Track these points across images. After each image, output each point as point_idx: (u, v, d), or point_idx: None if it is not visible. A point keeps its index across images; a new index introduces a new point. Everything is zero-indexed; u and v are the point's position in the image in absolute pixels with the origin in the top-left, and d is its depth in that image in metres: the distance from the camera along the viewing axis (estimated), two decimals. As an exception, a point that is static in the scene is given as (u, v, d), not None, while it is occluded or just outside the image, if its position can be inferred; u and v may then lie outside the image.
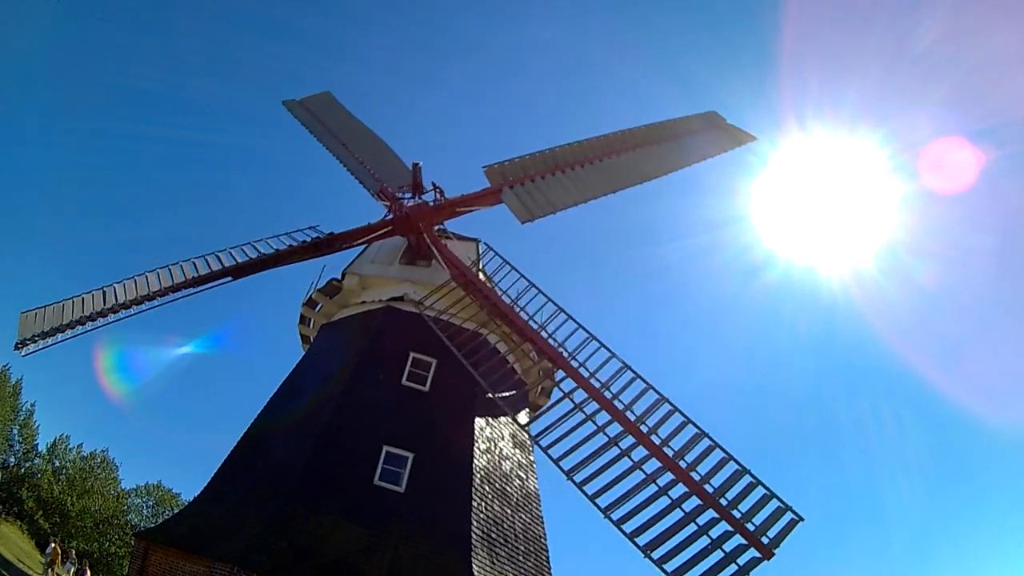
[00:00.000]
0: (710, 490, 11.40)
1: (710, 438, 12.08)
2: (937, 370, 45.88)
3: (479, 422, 15.24)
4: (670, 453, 12.01)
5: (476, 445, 14.66)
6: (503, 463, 15.52)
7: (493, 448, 15.37)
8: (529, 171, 16.85)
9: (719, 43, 57.27)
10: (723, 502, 11.21)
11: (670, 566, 10.63)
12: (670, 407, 12.60)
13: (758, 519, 10.95)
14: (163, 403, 56.72)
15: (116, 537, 33.44)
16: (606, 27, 56.01)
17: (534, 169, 16.92)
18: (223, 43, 57.79)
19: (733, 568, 10.44)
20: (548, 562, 15.50)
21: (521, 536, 14.87)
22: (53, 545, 21.64)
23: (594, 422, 12.56)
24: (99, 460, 36.38)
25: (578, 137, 17.91)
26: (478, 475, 14.23)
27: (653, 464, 11.85)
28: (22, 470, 33.34)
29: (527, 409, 17.97)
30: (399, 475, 13.58)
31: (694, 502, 11.25)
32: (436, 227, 17.92)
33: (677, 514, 11.12)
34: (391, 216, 17.91)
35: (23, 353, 15.86)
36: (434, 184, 18.20)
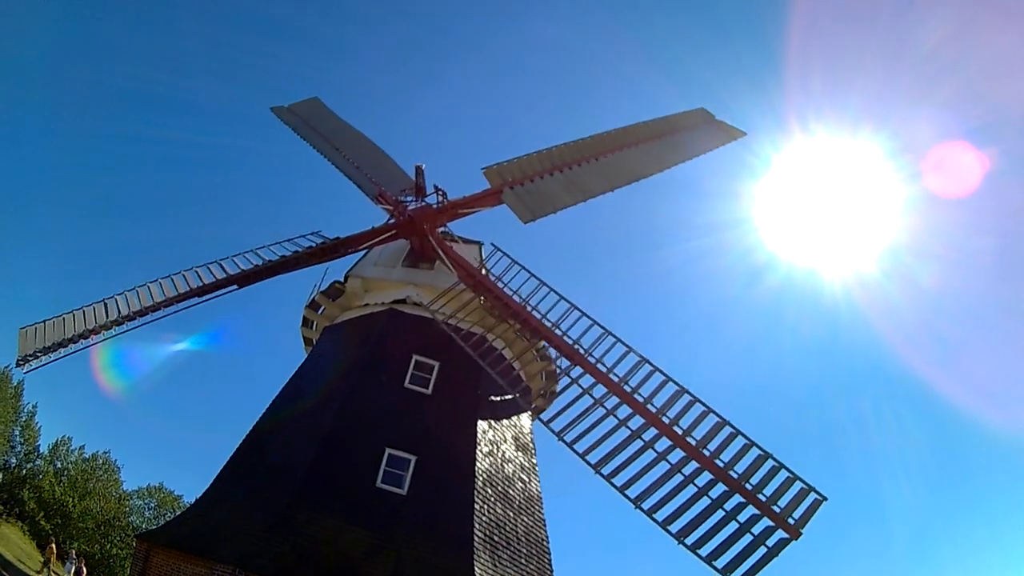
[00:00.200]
0: (734, 476, 11.78)
1: (731, 426, 12.41)
2: (939, 371, 45.87)
3: (482, 425, 15.22)
4: (692, 442, 12.35)
5: (479, 448, 14.64)
6: (505, 466, 15.50)
7: (495, 451, 15.35)
8: (527, 171, 16.97)
9: (722, 44, 57.29)
10: (748, 487, 11.61)
11: (704, 551, 11.05)
12: (690, 398, 12.89)
13: (782, 502, 11.37)
14: (165, 405, 56.76)
15: (118, 539, 33.40)
16: (608, 27, 56.03)
17: (532, 169, 17.04)
18: (222, 43, 57.82)
19: (762, 550, 10.86)
20: (550, 565, 15.47)
21: (523, 539, 14.84)
22: (50, 544, 21.69)
23: (615, 416, 12.87)
24: (101, 462, 36.33)
25: (579, 138, 18.04)
26: (480, 478, 14.20)
27: (677, 454, 12.25)
28: (24, 471, 33.33)
29: (530, 412, 17.97)
30: (401, 478, 13.58)
31: (720, 489, 11.66)
32: (440, 230, 17.95)
33: (705, 501, 11.56)
34: (394, 220, 17.94)
35: (24, 370, 15.79)
36: (436, 187, 18.22)
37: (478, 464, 14.34)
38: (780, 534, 10.99)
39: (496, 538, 13.80)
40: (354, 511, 13.03)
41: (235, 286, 17.11)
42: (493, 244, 16.23)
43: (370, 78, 65.66)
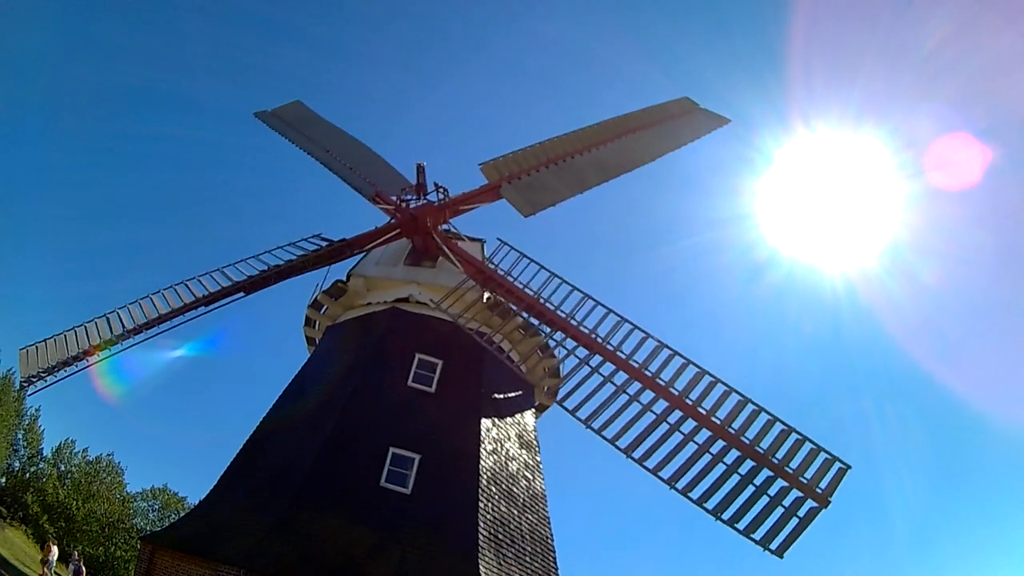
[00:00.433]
0: (761, 451, 12.28)
1: (754, 403, 12.84)
2: (941, 367, 45.74)
3: (485, 423, 15.15)
4: (717, 422, 12.74)
5: (483, 446, 14.58)
6: (510, 464, 15.43)
7: (500, 449, 15.29)
8: (523, 164, 17.12)
9: (724, 42, 57.13)
10: (775, 460, 12.16)
11: (741, 524, 11.62)
12: (711, 378, 13.27)
13: (808, 473, 11.93)
14: (169, 407, 56.79)
15: (122, 541, 33.37)
16: (609, 27, 55.98)
17: (527, 163, 17.18)
18: (221, 43, 57.88)
19: (795, 521, 11.46)
20: (555, 563, 15.38)
21: (528, 537, 14.77)
22: (48, 542, 21.68)
23: (639, 402, 13.23)
24: (104, 464, 36.35)
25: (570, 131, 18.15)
26: (484, 476, 14.14)
27: (704, 434, 12.68)
28: (27, 475, 33.35)
29: (533, 409, 17.92)
30: (405, 476, 13.52)
31: (749, 465, 12.20)
32: (443, 227, 17.90)
33: (735, 478, 12.07)
34: (395, 219, 17.89)
35: (29, 392, 15.65)
36: (436, 184, 18.17)
37: (482, 462, 14.27)
38: (810, 504, 11.57)
39: (500, 536, 13.74)
40: (358, 510, 12.97)
41: (242, 293, 17.13)
42: (499, 239, 16.28)
43: (370, 78, 65.69)
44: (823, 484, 11.73)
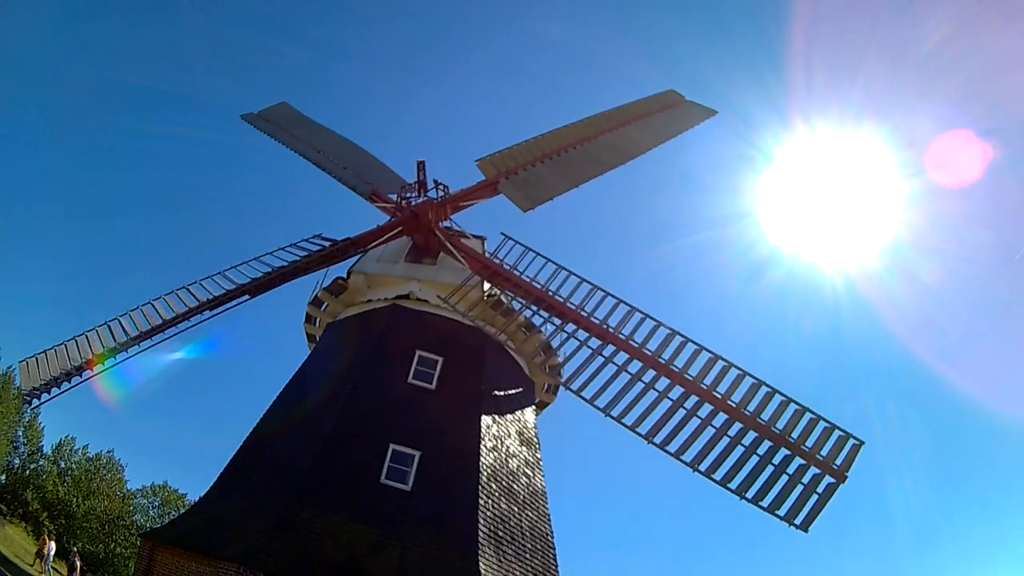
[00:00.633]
0: (777, 431, 12.65)
1: (768, 385, 13.18)
2: (942, 365, 45.73)
3: (486, 420, 15.14)
4: (733, 404, 13.08)
5: (483, 443, 14.57)
6: (510, 461, 15.43)
7: (500, 446, 15.28)
8: (518, 159, 17.26)
9: (724, 41, 56.95)
10: (791, 440, 12.53)
11: (765, 502, 12.00)
12: (725, 363, 13.59)
13: (824, 451, 12.34)
14: (169, 403, 56.72)
15: (122, 538, 33.37)
16: (609, 27, 55.84)
17: (522, 158, 17.32)
18: (222, 41, 57.73)
19: (815, 497, 11.86)
20: (555, 560, 15.40)
21: (528, 534, 14.77)
22: (43, 536, 21.64)
23: (655, 389, 13.53)
24: (105, 461, 36.29)
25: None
26: (485, 473, 14.13)
27: (721, 418, 13.02)
28: (27, 472, 33.32)
29: (534, 406, 17.92)
30: (406, 473, 13.51)
31: (766, 445, 12.58)
32: (444, 224, 17.89)
33: (754, 459, 12.45)
34: (396, 217, 17.85)
35: (33, 407, 15.39)
36: (436, 181, 18.15)
37: (482, 459, 14.26)
38: (828, 480, 12.01)
39: (501, 533, 13.74)
40: (358, 507, 12.97)
41: (247, 296, 17.10)
42: (503, 233, 16.30)
43: (370, 78, 65.58)
44: (839, 460, 12.14)
